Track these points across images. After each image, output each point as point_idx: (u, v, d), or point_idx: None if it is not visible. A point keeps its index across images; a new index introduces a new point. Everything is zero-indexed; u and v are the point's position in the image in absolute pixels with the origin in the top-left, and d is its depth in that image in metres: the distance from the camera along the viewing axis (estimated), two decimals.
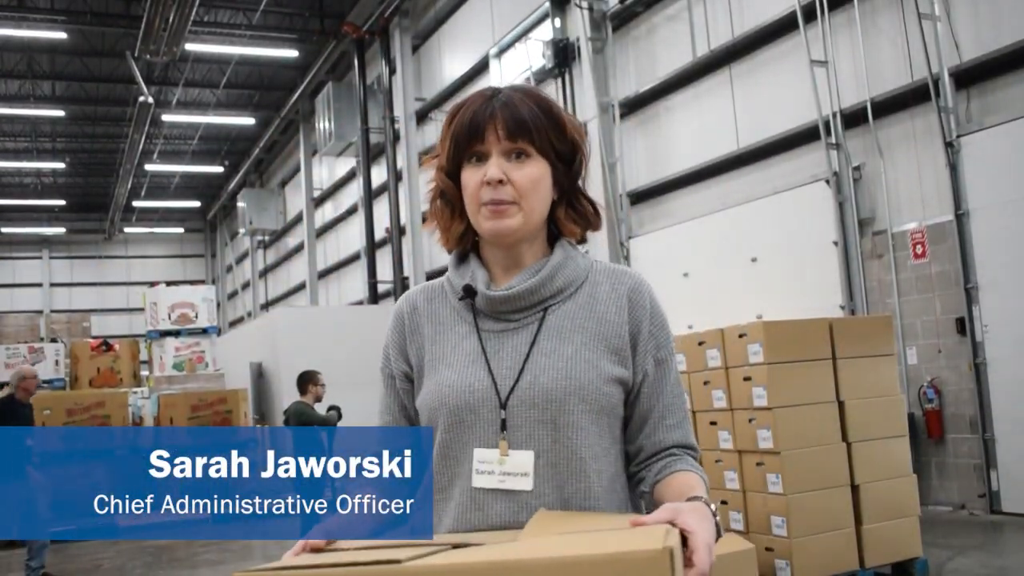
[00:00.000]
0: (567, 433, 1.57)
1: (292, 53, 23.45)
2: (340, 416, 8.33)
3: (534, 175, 1.62)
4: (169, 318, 14.83)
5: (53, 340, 17.60)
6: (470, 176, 1.64)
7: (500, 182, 1.60)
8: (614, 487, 1.63)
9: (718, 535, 1.35)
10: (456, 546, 1.26)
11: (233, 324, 37.50)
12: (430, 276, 20.00)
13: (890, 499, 6.29)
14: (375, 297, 21.44)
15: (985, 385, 8.60)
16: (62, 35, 21.59)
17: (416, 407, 1.72)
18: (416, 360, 1.73)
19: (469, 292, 1.66)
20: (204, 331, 15.04)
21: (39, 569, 8.47)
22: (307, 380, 8.45)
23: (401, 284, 20.46)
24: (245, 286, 37.69)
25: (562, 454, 1.57)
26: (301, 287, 29.51)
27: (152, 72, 24.84)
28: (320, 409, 8.59)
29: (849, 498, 6.15)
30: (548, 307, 1.65)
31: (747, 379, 6.13)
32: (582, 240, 1.76)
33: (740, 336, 6.20)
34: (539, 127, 1.62)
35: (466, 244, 1.74)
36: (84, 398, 12.64)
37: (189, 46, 20.95)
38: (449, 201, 1.72)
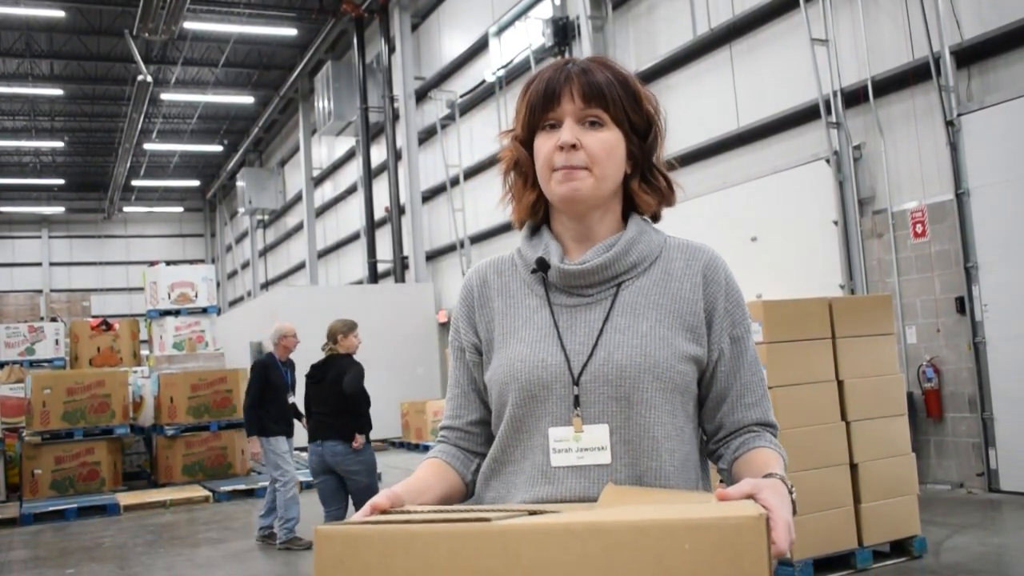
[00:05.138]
0: (640, 411, 1.55)
1: (291, 32, 23.38)
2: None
3: (608, 142, 1.60)
4: (169, 297, 14.82)
5: (53, 319, 17.67)
6: (543, 142, 1.62)
7: (573, 147, 1.58)
8: (686, 466, 1.62)
9: (794, 512, 1.35)
10: (532, 513, 1.23)
11: (233, 303, 37.57)
12: (430, 255, 20.10)
13: (889, 478, 6.31)
14: (375, 276, 21.45)
15: (984, 364, 8.61)
16: (60, 13, 21.51)
17: (485, 381, 1.71)
18: (485, 334, 1.72)
19: (542, 265, 1.65)
20: (204, 310, 15.04)
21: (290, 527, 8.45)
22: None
23: (401, 263, 20.46)
24: (245, 265, 37.71)
25: (635, 431, 1.55)
26: (301, 266, 29.52)
27: (151, 51, 24.76)
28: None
29: (848, 477, 6.18)
30: (622, 283, 1.64)
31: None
32: (656, 217, 1.74)
33: None
34: (614, 95, 1.60)
35: (537, 215, 1.73)
36: (84, 377, 12.67)
37: (188, 24, 20.88)
38: (522, 171, 1.71)
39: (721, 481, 1.66)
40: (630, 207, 1.71)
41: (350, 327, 7.57)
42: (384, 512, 1.38)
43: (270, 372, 8.46)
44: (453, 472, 1.71)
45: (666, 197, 1.71)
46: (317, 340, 8.65)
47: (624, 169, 1.66)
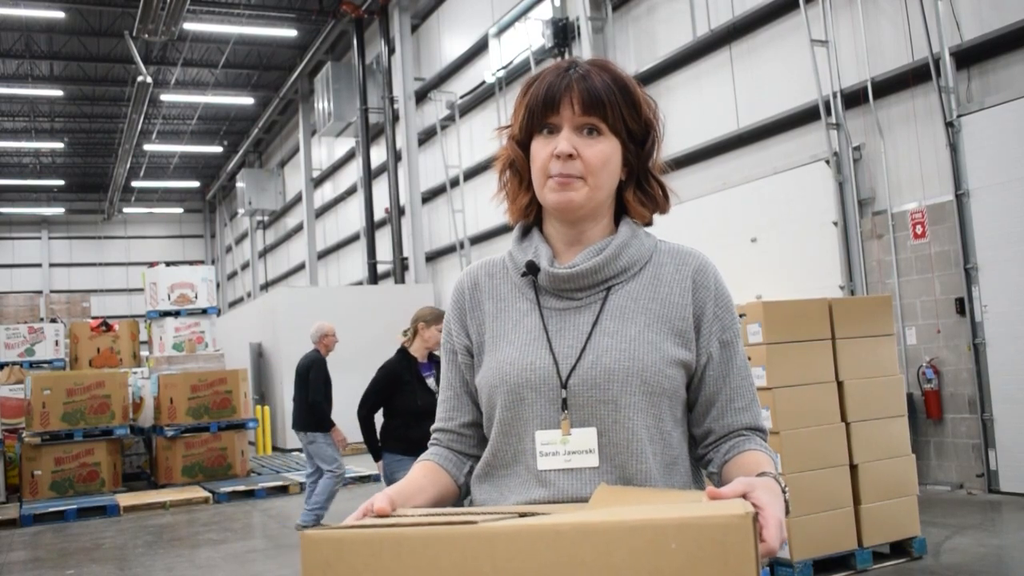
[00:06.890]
0: (628, 414, 1.55)
1: (291, 32, 23.37)
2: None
3: (604, 152, 1.60)
4: (169, 298, 14.83)
5: (53, 320, 17.65)
6: (540, 147, 1.63)
7: (570, 156, 1.58)
8: (675, 469, 1.62)
9: (787, 512, 1.35)
10: (522, 515, 1.23)
11: (233, 304, 37.56)
12: (429, 256, 20.09)
13: (889, 479, 6.31)
14: (375, 277, 21.44)
15: (984, 365, 8.61)
16: (60, 14, 21.50)
17: (476, 384, 1.71)
18: (476, 337, 1.72)
19: (532, 269, 1.65)
20: (204, 311, 15.04)
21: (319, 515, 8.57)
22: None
23: (400, 264, 20.46)
24: (244, 266, 37.70)
25: (622, 435, 1.55)
26: (301, 267, 29.52)
27: (150, 52, 24.74)
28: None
29: (848, 478, 6.18)
30: (611, 286, 1.64)
31: (747, 359, 6.13)
32: (649, 223, 1.74)
33: (739, 316, 6.17)
34: (613, 103, 1.60)
35: (530, 217, 1.74)
36: (84, 378, 12.67)
37: (187, 25, 20.88)
38: (518, 171, 1.72)
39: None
40: (623, 210, 1.71)
41: (419, 319, 6.43)
42: (379, 515, 1.38)
43: (323, 368, 8.65)
44: (446, 474, 1.72)
45: (660, 206, 1.72)
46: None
47: (619, 177, 1.66)
